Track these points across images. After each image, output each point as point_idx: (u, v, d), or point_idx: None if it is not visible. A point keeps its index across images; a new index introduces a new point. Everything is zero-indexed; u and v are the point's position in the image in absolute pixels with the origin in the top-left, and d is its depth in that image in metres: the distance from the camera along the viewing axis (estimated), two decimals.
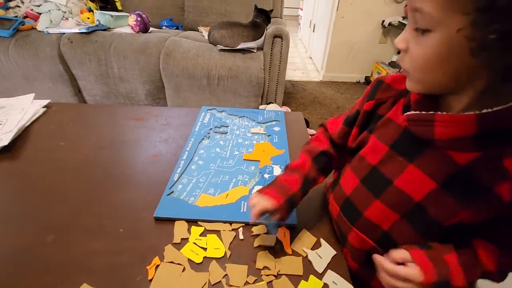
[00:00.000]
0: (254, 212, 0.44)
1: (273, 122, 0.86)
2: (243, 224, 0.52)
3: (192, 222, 0.53)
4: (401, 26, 2.12)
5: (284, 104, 1.81)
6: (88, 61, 1.51)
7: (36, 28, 1.60)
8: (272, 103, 1.65)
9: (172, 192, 0.58)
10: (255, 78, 1.50)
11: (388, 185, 0.39)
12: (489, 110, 0.29)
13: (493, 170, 0.31)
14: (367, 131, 0.44)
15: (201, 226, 0.52)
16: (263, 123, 0.85)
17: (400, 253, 0.37)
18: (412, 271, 0.35)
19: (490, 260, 0.36)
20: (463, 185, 0.33)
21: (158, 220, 0.53)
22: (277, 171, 0.66)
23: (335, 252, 0.48)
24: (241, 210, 0.55)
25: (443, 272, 0.35)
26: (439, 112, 0.33)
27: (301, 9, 3.90)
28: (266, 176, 0.64)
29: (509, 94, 0.29)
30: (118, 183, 0.61)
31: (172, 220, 0.53)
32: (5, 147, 0.68)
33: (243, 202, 0.57)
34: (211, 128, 0.81)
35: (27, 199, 0.57)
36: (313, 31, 3.01)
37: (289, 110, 1.76)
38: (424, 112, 0.34)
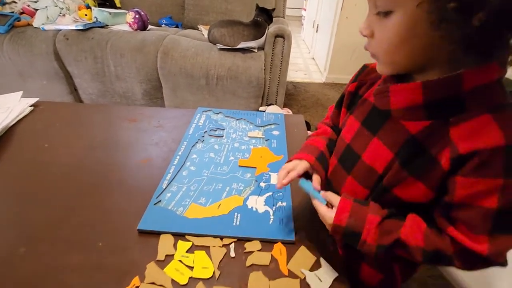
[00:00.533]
0: (292, 175, 0.45)
1: (272, 126, 0.81)
2: (235, 240, 0.48)
3: (179, 236, 0.48)
4: None
5: (285, 105, 1.76)
6: (84, 58, 1.47)
7: (32, 25, 1.56)
8: (273, 104, 1.60)
9: (160, 201, 0.54)
10: (255, 78, 1.45)
11: (357, 160, 0.41)
12: (434, 78, 0.31)
13: (439, 138, 0.32)
14: (349, 112, 0.46)
15: (188, 240, 0.47)
16: (261, 126, 0.80)
17: (333, 198, 0.41)
18: (328, 213, 0.40)
19: (413, 233, 0.35)
20: (414, 154, 0.34)
21: (142, 233, 0.48)
22: (275, 179, 0.61)
23: (336, 274, 0.43)
24: (234, 223, 0.50)
25: (355, 223, 0.37)
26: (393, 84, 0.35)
27: (305, 10, 3.85)
28: (262, 184, 0.59)
29: (468, 64, 0.29)
30: (102, 190, 0.57)
31: (157, 234, 0.48)
32: None
33: (236, 213, 0.52)
34: (205, 131, 0.76)
35: (2, 205, 0.52)
36: (316, 31, 2.96)
37: (290, 112, 1.71)
38: (382, 85, 0.37)
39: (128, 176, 0.61)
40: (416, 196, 0.35)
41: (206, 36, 1.62)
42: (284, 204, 0.54)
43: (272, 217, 0.51)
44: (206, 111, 0.86)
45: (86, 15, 1.64)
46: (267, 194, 0.56)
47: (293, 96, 2.21)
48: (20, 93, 0.87)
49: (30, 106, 0.83)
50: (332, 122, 0.56)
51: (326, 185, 0.48)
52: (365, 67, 0.47)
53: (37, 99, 0.87)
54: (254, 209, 0.53)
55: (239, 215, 0.52)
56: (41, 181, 0.58)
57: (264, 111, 1.57)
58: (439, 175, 0.32)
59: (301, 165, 0.46)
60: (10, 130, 0.73)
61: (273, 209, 0.53)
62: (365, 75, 0.46)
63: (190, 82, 1.47)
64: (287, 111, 1.68)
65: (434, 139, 0.33)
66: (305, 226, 0.51)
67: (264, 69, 1.46)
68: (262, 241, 0.48)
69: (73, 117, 0.82)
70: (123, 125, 0.79)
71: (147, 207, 0.52)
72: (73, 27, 1.48)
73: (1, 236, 0.46)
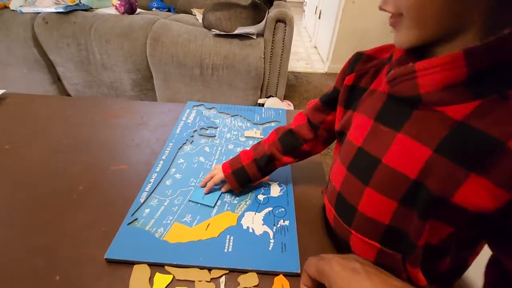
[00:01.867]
0: (209, 185, 0.49)
1: (273, 123, 0.71)
2: (227, 272, 0.38)
3: (157, 266, 0.39)
4: None
5: (285, 98, 1.65)
6: (66, 45, 1.34)
7: (9, 7, 1.42)
8: (273, 96, 1.49)
9: (136, 219, 0.44)
10: (254, 68, 1.34)
11: (377, 165, 0.31)
12: (478, 44, 0.24)
13: (503, 118, 0.24)
14: (351, 109, 0.38)
15: (169, 273, 0.38)
16: (260, 124, 0.70)
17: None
18: None
19: None
20: (465, 142, 0.26)
21: (111, 262, 0.39)
22: (276, 190, 0.51)
23: None
24: (226, 249, 0.41)
25: None
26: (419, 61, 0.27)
27: None
28: (260, 197, 0.50)
29: (506, 24, 0.23)
30: (67, 204, 0.47)
31: (130, 264, 0.39)
32: None
33: (228, 236, 0.42)
34: (195, 130, 0.66)
35: None
36: (319, 18, 2.81)
37: (291, 105, 1.61)
38: (403, 66, 0.29)
39: (100, 185, 0.51)
40: (484, 201, 0.25)
41: (200, 21, 1.49)
42: (287, 223, 0.45)
43: (272, 240, 0.42)
44: (197, 105, 0.76)
45: None
46: (266, 210, 0.47)
47: (295, 88, 2.10)
48: None
49: None
50: (310, 114, 0.47)
51: (338, 201, 0.38)
52: (360, 54, 0.38)
53: (3, 91, 0.76)
54: (251, 230, 0.44)
55: (232, 237, 0.42)
56: None
57: (263, 104, 1.46)
58: None
59: (218, 176, 0.49)
60: None
61: (274, 229, 0.44)
62: (363, 64, 0.38)
63: (183, 72, 1.36)
64: (288, 104, 1.58)
65: (495, 120, 0.24)
66: (313, 252, 0.41)
67: (264, 58, 1.34)
68: (260, 273, 0.38)
69: (44, 112, 0.72)
70: (100, 121, 0.68)
71: (119, 228, 0.42)
72: (53, 10, 1.35)
73: None
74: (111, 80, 1.44)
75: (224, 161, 0.54)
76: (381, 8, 0.29)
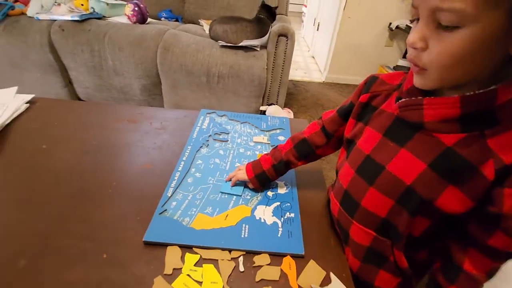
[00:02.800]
0: (234, 179, 0.58)
1: (278, 131, 0.79)
2: (244, 253, 0.47)
3: (186, 248, 0.47)
4: (408, 30, 2.06)
5: (285, 105, 1.74)
6: (80, 51, 1.42)
7: (26, 13, 1.50)
8: (274, 104, 1.58)
9: (165, 210, 0.52)
10: (257, 78, 1.43)
11: (381, 171, 0.40)
12: (471, 93, 0.32)
13: (478, 150, 0.33)
14: (362, 122, 0.46)
15: (196, 253, 0.46)
16: (266, 131, 0.79)
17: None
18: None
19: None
20: (449, 163, 0.35)
21: (148, 244, 0.47)
22: (282, 188, 0.60)
23: None
24: (242, 235, 0.49)
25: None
26: (427, 97, 0.36)
27: (305, 6, 3.81)
28: (270, 193, 0.58)
29: (505, 78, 0.31)
30: (103, 197, 0.55)
31: (164, 245, 0.47)
32: None
33: (244, 225, 0.51)
34: (210, 135, 0.74)
35: None
36: (317, 29, 2.94)
37: (291, 113, 1.70)
38: (414, 98, 0.37)
39: (130, 181, 0.59)
40: (455, 206, 0.36)
41: (207, 31, 1.58)
42: (292, 215, 0.53)
43: (280, 229, 0.51)
44: (209, 113, 0.84)
45: (82, 5, 1.58)
46: (275, 204, 0.55)
47: (293, 96, 2.20)
48: (15, 88, 0.83)
49: (26, 103, 0.80)
50: (328, 124, 0.55)
51: (344, 197, 0.47)
52: (375, 77, 0.47)
53: (33, 95, 0.83)
54: (262, 220, 0.52)
55: (247, 226, 0.50)
56: (37, 187, 0.56)
57: (265, 111, 1.55)
58: (483, 186, 0.33)
59: (242, 175, 0.57)
60: (6, 129, 0.70)
61: (281, 220, 0.52)
62: (377, 86, 0.46)
63: (191, 80, 1.44)
64: (288, 111, 1.67)
65: (473, 150, 0.33)
66: (314, 239, 0.50)
67: (266, 69, 1.44)
68: (271, 254, 0.47)
69: (71, 115, 0.79)
70: (122, 126, 0.76)
71: (152, 217, 0.50)
72: (69, 18, 1.43)
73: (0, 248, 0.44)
74: (121, 85, 1.52)
75: (237, 163, 0.63)
76: (409, 59, 0.35)
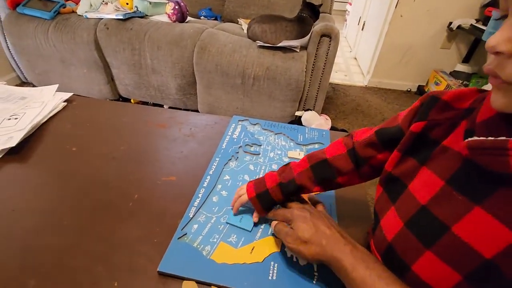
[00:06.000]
0: (236, 205, 0.49)
1: (316, 145, 0.70)
2: None
3: (204, 284, 0.40)
4: (473, 31, 1.79)
5: (322, 111, 1.62)
6: (122, 49, 1.45)
7: (76, 12, 1.58)
8: (311, 110, 1.48)
9: (185, 234, 0.46)
10: (294, 81, 1.34)
11: (443, 232, 0.29)
12: None
13: None
14: (416, 160, 0.35)
15: None
16: (303, 145, 0.70)
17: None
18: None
19: None
20: None
21: (163, 275, 0.41)
22: None
23: None
24: (270, 277, 0.41)
25: None
26: None
27: (350, 4, 3.59)
28: None
29: None
30: (123, 212, 0.51)
31: (179, 278, 0.41)
32: (14, 147, 0.61)
33: (272, 263, 0.43)
34: (240, 146, 0.68)
35: (12, 225, 0.47)
36: (362, 29, 2.73)
37: (329, 120, 1.58)
38: (492, 138, 0.26)
39: (152, 195, 0.54)
40: None
41: (245, 30, 1.53)
42: None
43: (316, 273, 0.42)
44: (241, 120, 0.78)
45: (127, 4, 1.62)
46: None
47: (331, 100, 2.06)
48: (56, 86, 0.85)
49: (64, 101, 0.81)
50: (360, 148, 0.44)
51: (388, 252, 0.36)
52: (435, 99, 0.34)
53: (71, 94, 0.84)
54: (295, 259, 0.44)
55: (276, 265, 0.43)
56: (60, 195, 0.53)
57: (301, 117, 1.46)
58: None
59: (245, 196, 0.48)
60: (41, 128, 0.70)
61: None
62: (437, 112, 0.34)
63: (225, 81, 1.40)
64: (325, 118, 1.55)
65: None
66: None
67: (305, 71, 1.34)
68: None
69: (103, 117, 0.78)
70: (152, 131, 0.73)
71: (170, 242, 0.45)
72: (114, 16, 1.47)
73: (11, 264, 0.42)
74: (158, 83, 1.53)
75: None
76: (488, 69, 0.26)
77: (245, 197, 0.48)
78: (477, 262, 0.27)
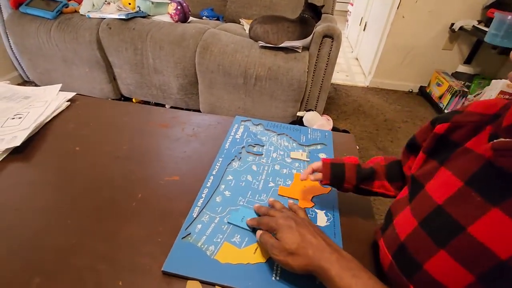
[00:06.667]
0: (307, 170, 0.51)
1: (319, 146, 0.70)
2: None
3: (208, 284, 0.40)
4: (475, 32, 1.79)
5: (324, 111, 1.62)
6: (124, 49, 1.46)
7: (78, 11, 1.58)
8: (312, 110, 1.48)
9: (189, 234, 0.47)
10: (296, 81, 1.34)
11: (458, 232, 0.30)
12: None
13: None
14: (436, 160, 0.36)
15: None
16: (305, 145, 0.70)
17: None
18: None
19: None
20: None
21: (167, 274, 0.41)
22: (322, 219, 0.51)
23: None
24: (273, 277, 0.41)
25: None
26: None
27: (351, 4, 3.59)
28: None
29: None
30: (127, 211, 0.51)
31: (183, 278, 0.41)
32: (18, 146, 0.61)
33: (276, 263, 0.43)
34: (243, 146, 0.68)
35: (17, 224, 0.47)
36: (364, 29, 2.73)
37: (330, 120, 1.58)
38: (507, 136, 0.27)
39: (156, 195, 0.55)
40: None
41: (247, 31, 1.53)
42: None
43: None
44: (244, 120, 0.78)
45: (129, 3, 1.62)
46: None
47: (333, 100, 2.06)
48: (59, 86, 0.85)
49: (67, 101, 0.81)
50: (403, 167, 0.47)
51: (400, 251, 0.36)
52: (458, 111, 0.36)
53: (74, 93, 0.84)
54: None
55: (279, 266, 0.43)
56: (63, 195, 0.53)
57: (303, 117, 1.46)
58: None
59: (317, 163, 0.50)
60: (44, 128, 0.71)
61: None
62: (462, 116, 0.36)
63: (227, 81, 1.40)
64: (327, 119, 1.55)
65: None
66: None
67: (307, 72, 1.34)
68: None
69: (106, 116, 0.78)
70: (154, 130, 0.73)
71: (174, 242, 0.45)
72: (116, 16, 1.47)
73: (14, 263, 0.42)
74: (160, 83, 1.53)
75: (271, 182, 0.55)
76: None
77: (318, 163, 0.50)
78: (492, 263, 0.27)
